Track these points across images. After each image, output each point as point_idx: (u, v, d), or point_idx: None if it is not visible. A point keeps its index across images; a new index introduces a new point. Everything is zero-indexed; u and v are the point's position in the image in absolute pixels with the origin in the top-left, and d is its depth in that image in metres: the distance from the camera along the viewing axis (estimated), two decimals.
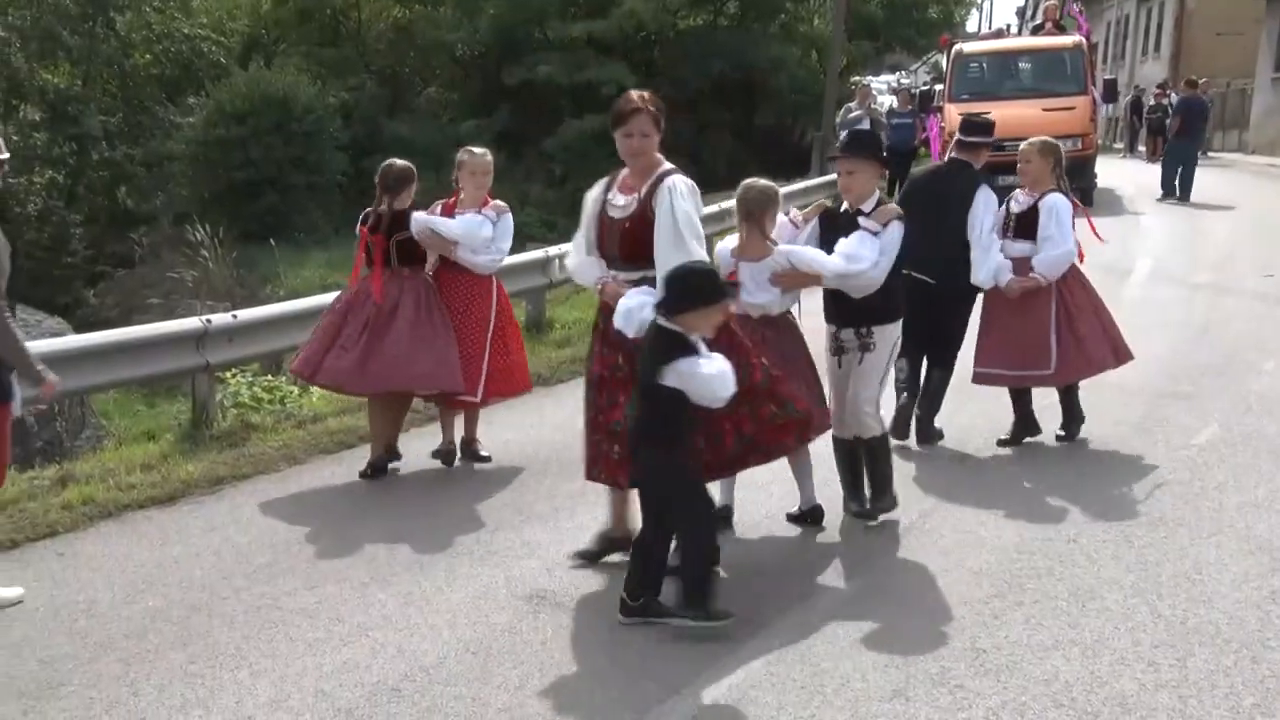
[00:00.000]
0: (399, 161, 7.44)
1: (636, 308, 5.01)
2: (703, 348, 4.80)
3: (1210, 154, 30.00)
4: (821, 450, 6.06)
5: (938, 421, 7.55)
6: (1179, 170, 20.18)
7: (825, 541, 5.88)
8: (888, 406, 7.20)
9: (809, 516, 6.03)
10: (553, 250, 10.97)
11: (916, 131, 20.32)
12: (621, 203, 5.29)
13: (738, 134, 30.85)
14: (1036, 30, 24.45)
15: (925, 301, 7.36)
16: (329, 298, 9.29)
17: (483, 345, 7.16)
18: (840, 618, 5.04)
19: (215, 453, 7.65)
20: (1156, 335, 10.25)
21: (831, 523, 6.05)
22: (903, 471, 6.93)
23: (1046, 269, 7.10)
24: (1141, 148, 30.67)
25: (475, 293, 7.19)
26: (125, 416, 12.39)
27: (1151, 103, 29.15)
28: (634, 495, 5.42)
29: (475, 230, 7.05)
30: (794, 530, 6.01)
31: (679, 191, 5.13)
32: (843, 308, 5.87)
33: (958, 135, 7.60)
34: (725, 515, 6.03)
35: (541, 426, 8.11)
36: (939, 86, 24.14)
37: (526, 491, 6.78)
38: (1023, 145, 7.23)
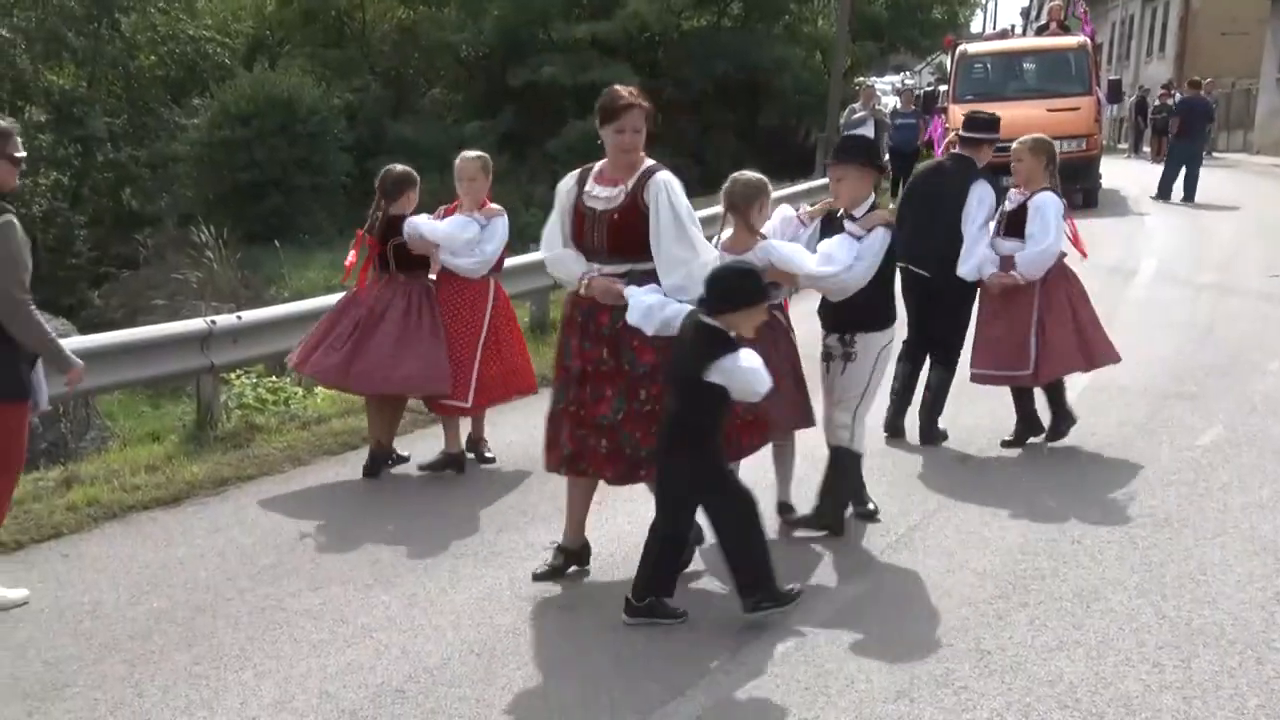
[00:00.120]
0: (398, 167, 7.44)
1: (657, 305, 4.99)
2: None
3: (1215, 154, 29.98)
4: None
5: (941, 423, 7.55)
6: (1182, 171, 20.12)
7: (829, 542, 5.88)
8: (876, 416, 7.24)
9: (780, 510, 6.04)
10: None
11: (920, 132, 20.31)
12: (605, 194, 5.21)
13: (742, 135, 30.85)
14: (1041, 31, 24.42)
15: (923, 297, 7.45)
16: (333, 299, 9.31)
17: (473, 352, 7.08)
18: (844, 619, 5.04)
19: (220, 454, 7.66)
20: (1161, 335, 10.26)
21: None
22: (906, 472, 6.95)
23: (1024, 267, 7.06)
24: (1146, 148, 30.64)
25: (468, 298, 7.13)
26: (130, 418, 12.41)
27: (1156, 103, 29.13)
28: (594, 504, 5.54)
29: (457, 233, 7.02)
30: (796, 531, 6.00)
31: (673, 186, 5.17)
32: (831, 313, 5.87)
33: (960, 131, 7.61)
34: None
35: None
36: (943, 87, 24.15)
37: (530, 493, 6.78)
38: (1015, 144, 7.21)
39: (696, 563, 5.48)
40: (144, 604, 5.43)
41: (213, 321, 8.23)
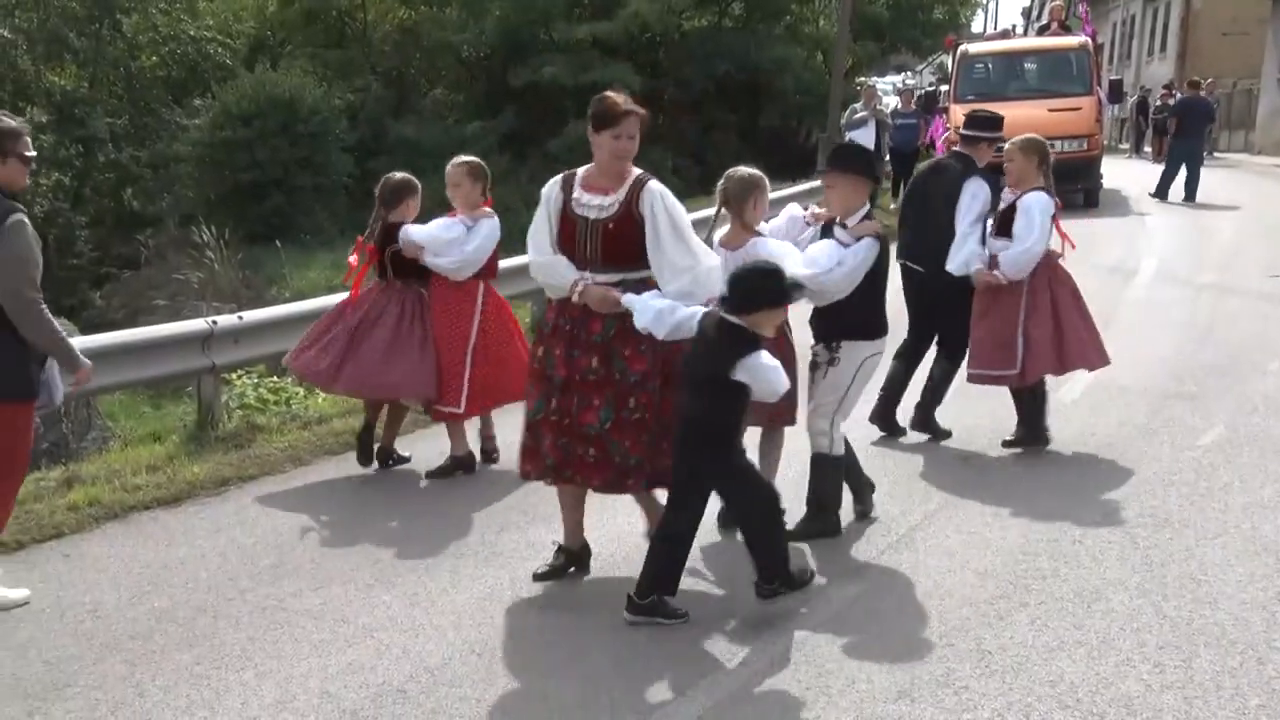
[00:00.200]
0: (397, 175, 7.44)
1: (667, 310, 4.98)
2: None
3: (1216, 154, 29.97)
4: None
5: (943, 423, 7.56)
6: (1182, 171, 20.11)
7: (830, 542, 5.88)
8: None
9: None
10: None
11: (920, 132, 20.31)
12: (597, 203, 5.15)
13: (743, 135, 30.81)
14: (1042, 31, 24.43)
15: (922, 294, 7.50)
16: (334, 299, 9.32)
17: (462, 357, 7.03)
18: (845, 619, 5.05)
19: (221, 454, 7.66)
20: (1161, 335, 10.26)
21: None
22: (908, 471, 6.95)
23: (1006, 266, 7.05)
24: (1148, 148, 30.65)
25: (456, 303, 7.08)
26: (131, 418, 12.40)
27: (1157, 103, 29.12)
28: (594, 504, 5.53)
29: (440, 234, 7.01)
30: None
31: (667, 194, 5.20)
32: (820, 321, 5.86)
33: (959, 129, 7.64)
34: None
35: None
36: (944, 87, 24.16)
37: (531, 493, 6.76)
38: (1006, 144, 7.20)
39: (696, 563, 5.47)
40: (145, 604, 5.44)
41: (214, 322, 8.24)
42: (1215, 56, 36.23)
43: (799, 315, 6.05)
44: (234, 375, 9.62)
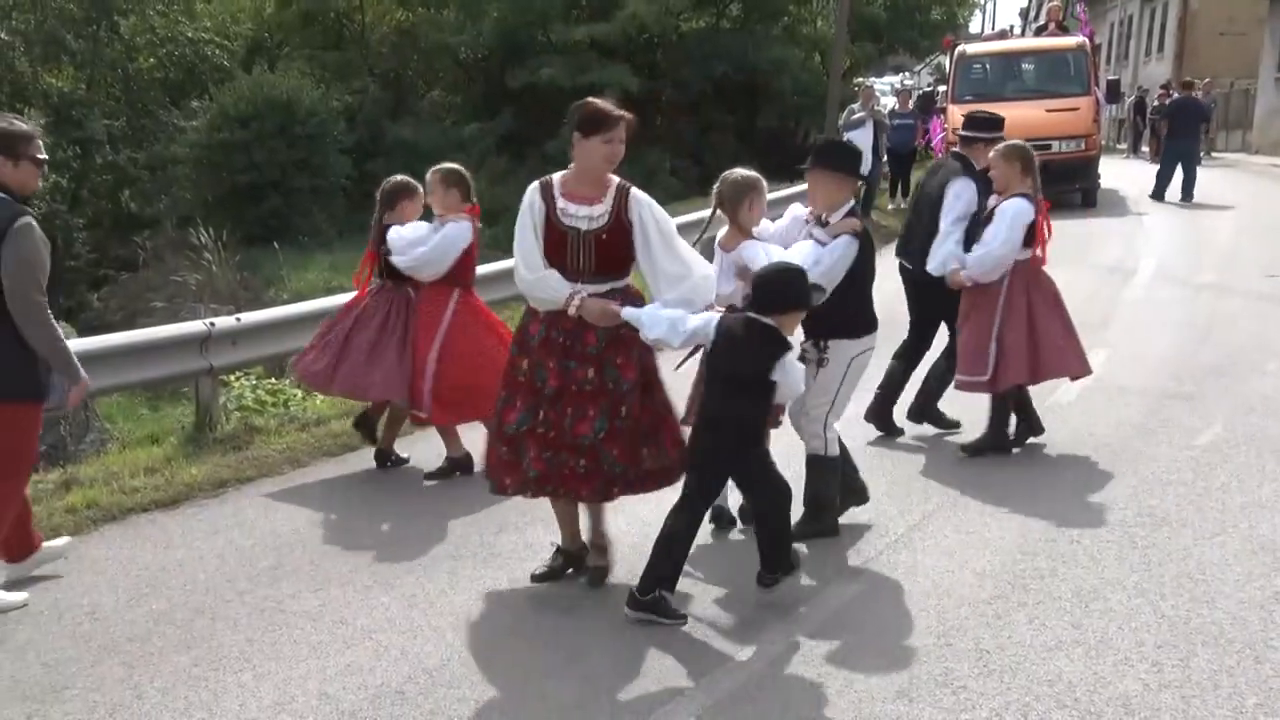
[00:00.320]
0: (397, 177, 7.44)
1: (679, 319, 5.00)
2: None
3: (1214, 154, 29.99)
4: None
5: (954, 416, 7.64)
6: (1178, 170, 20.11)
7: (829, 542, 5.88)
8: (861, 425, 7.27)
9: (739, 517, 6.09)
10: None
11: (917, 133, 20.32)
12: (585, 213, 5.06)
13: (740, 136, 30.83)
14: (1040, 31, 24.45)
15: (914, 291, 7.54)
16: (332, 301, 9.34)
17: (423, 360, 6.99)
18: (843, 618, 5.05)
19: (219, 456, 7.66)
20: (1159, 335, 10.27)
21: None
22: (906, 472, 6.95)
23: (972, 268, 7.06)
24: (1145, 148, 30.65)
25: (430, 307, 7.07)
26: (129, 420, 12.37)
27: (1155, 103, 29.12)
28: (583, 507, 5.49)
29: (405, 234, 7.05)
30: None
31: (653, 202, 5.19)
32: (808, 318, 5.86)
33: (957, 130, 7.67)
34: (729, 517, 6.08)
35: None
36: (942, 88, 24.17)
37: None
38: (992, 151, 7.20)
39: (695, 564, 5.47)
40: (143, 606, 5.43)
41: (212, 323, 8.23)
42: (1212, 56, 36.24)
43: None
44: (232, 377, 9.63)
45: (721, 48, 30.68)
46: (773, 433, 5.94)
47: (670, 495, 5.27)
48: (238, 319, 8.59)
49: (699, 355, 5.66)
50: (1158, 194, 20.08)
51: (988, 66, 21.06)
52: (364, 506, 6.81)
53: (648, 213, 5.13)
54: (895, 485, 6.72)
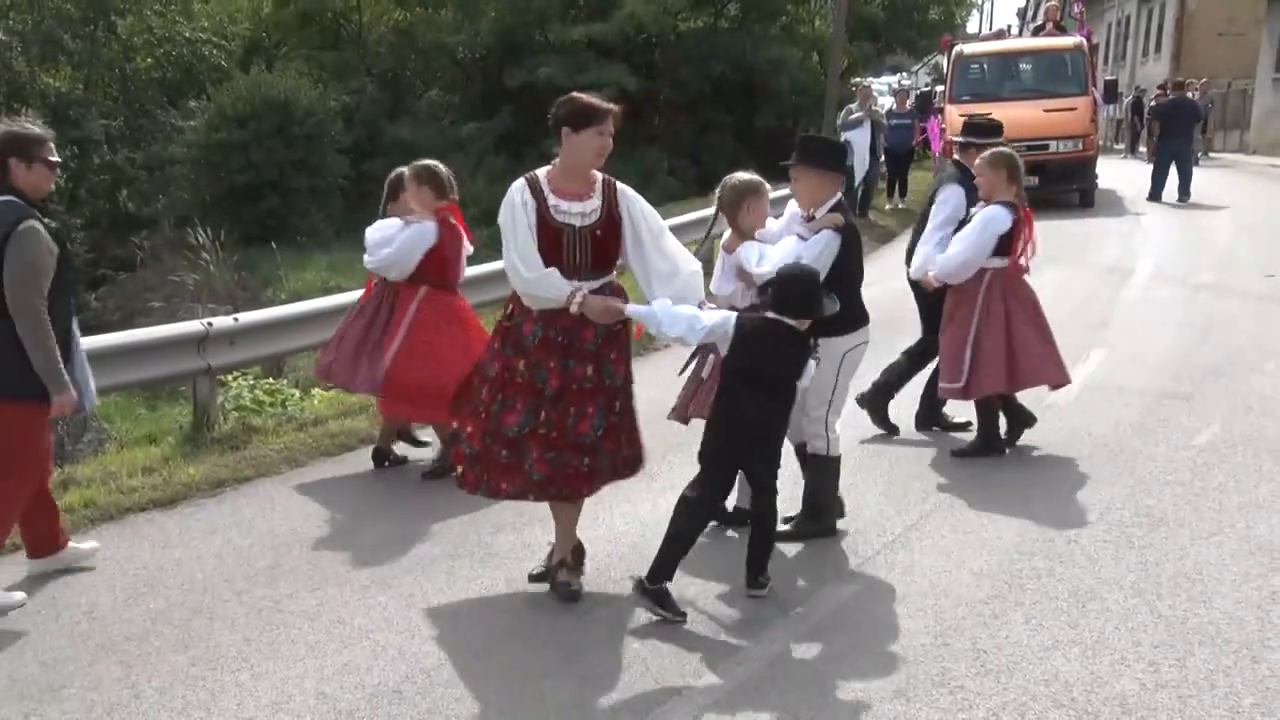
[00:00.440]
0: (401, 168, 7.45)
1: (695, 318, 5.03)
2: None
3: (1211, 154, 30.02)
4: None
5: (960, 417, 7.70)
6: (1173, 170, 20.12)
7: (827, 543, 5.88)
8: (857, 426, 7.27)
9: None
10: None
11: (914, 132, 20.32)
12: (579, 209, 5.02)
13: (738, 135, 30.85)
14: (1037, 31, 24.47)
15: (917, 294, 7.55)
16: (330, 300, 9.35)
17: (386, 354, 7.03)
18: (841, 619, 5.05)
19: (216, 455, 7.66)
20: (1157, 336, 10.28)
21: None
22: (903, 472, 6.96)
23: (938, 270, 7.14)
24: (1143, 148, 30.62)
25: (401, 303, 7.11)
26: (126, 420, 12.38)
27: (1152, 103, 29.13)
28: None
29: (372, 233, 7.12)
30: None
31: (638, 195, 5.20)
32: None
33: (953, 136, 7.70)
34: (736, 516, 6.09)
35: None
36: (939, 88, 24.17)
37: None
38: (977, 160, 7.21)
39: (694, 564, 5.47)
40: (141, 605, 5.43)
41: (209, 323, 8.23)
42: (1210, 57, 36.29)
43: None
44: (229, 377, 9.62)
45: (719, 47, 30.70)
46: None
47: (670, 495, 5.27)
48: (235, 319, 8.57)
49: (699, 356, 5.69)
50: (1154, 195, 20.11)
51: (985, 66, 21.07)
52: (361, 506, 6.81)
53: (637, 208, 5.13)
54: (893, 485, 6.73)
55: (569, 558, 5.37)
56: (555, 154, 5.11)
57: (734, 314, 5.17)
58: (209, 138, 26.75)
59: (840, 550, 5.81)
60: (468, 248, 7.30)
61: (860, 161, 18.00)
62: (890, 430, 7.69)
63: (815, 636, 4.87)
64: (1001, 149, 7.13)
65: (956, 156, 7.71)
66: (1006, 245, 6.96)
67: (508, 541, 6.05)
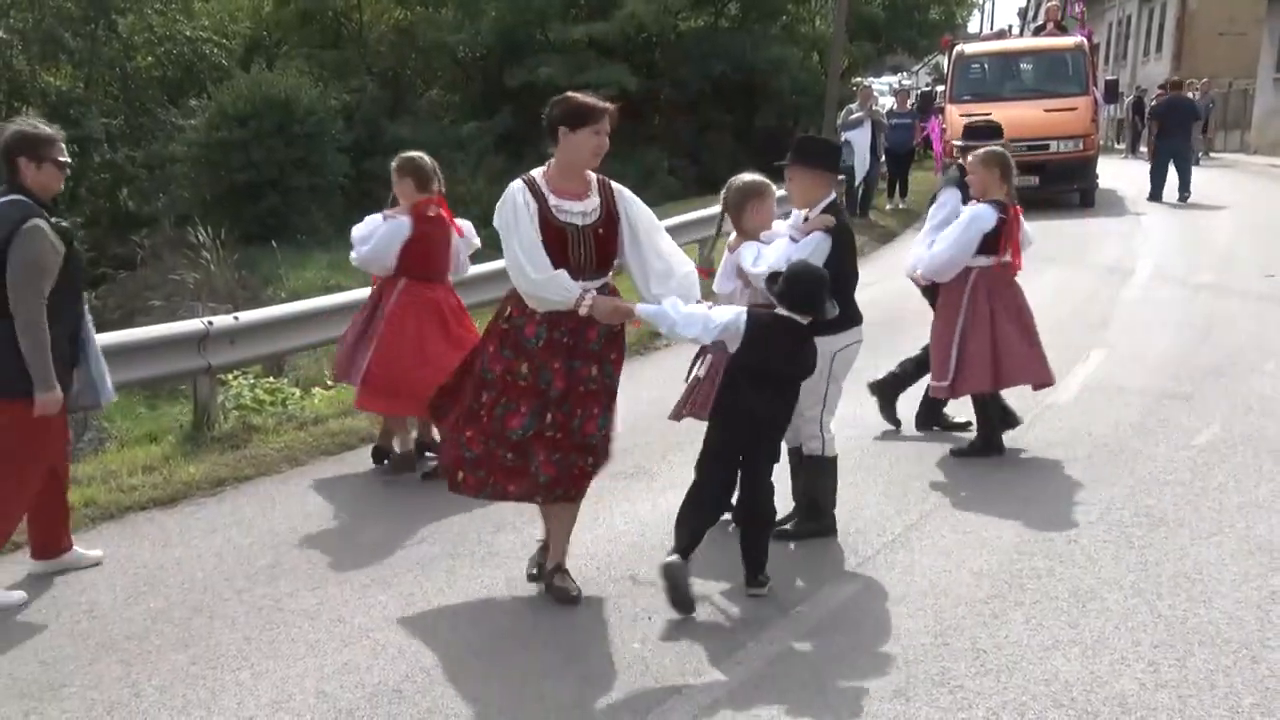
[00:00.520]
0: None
1: (708, 317, 5.04)
2: None
3: (1212, 154, 30.02)
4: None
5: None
6: (1172, 169, 20.11)
7: (826, 542, 5.88)
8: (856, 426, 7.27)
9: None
10: None
11: (915, 132, 20.33)
12: (580, 209, 4.98)
13: (739, 135, 30.85)
14: (1038, 31, 24.47)
15: (925, 291, 7.60)
16: (331, 299, 9.37)
17: (368, 348, 7.11)
18: (841, 618, 5.05)
19: (217, 454, 7.66)
20: (1157, 335, 10.28)
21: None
22: (904, 472, 6.96)
23: (924, 268, 7.23)
24: (1143, 148, 30.62)
25: (381, 298, 7.19)
26: (127, 419, 12.37)
27: (1153, 103, 29.14)
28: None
29: (357, 230, 7.21)
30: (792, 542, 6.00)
31: (633, 194, 5.20)
32: None
33: (954, 141, 7.73)
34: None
35: None
36: (940, 88, 24.18)
37: None
38: (970, 156, 7.23)
39: (695, 564, 5.47)
40: (141, 604, 5.44)
41: (210, 322, 8.23)
42: (1211, 56, 36.29)
43: None
44: (230, 376, 9.62)
45: (720, 47, 30.70)
46: None
47: (670, 495, 5.27)
48: (235, 318, 8.58)
49: (701, 357, 5.69)
50: (1155, 195, 20.11)
51: (986, 66, 21.07)
52: (362, 505, 6.81)
53: (634, 207, 5.12)
54: (893, 485, 6.73)
55: (563, 562, 5.37)
56: (551, 154, 5.07)
57: (745, 309, 5.18)
58: (209, 136, 26.75)
59: (840, 550, 5.81)
60: (473, 241, 7.32)
61: (861, 161, 18.01)
62: (894, 423, 7.69)
63: (815, 636, 4.87)
64: (994, 148, 7.15)
65: (959, 159, 7.77)
66: (993, 244, 6.97)
67: (508, 540, 6.05)
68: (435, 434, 7.28)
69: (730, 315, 5.09)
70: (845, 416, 7.80)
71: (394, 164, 7.15)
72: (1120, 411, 7.99)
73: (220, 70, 30.96)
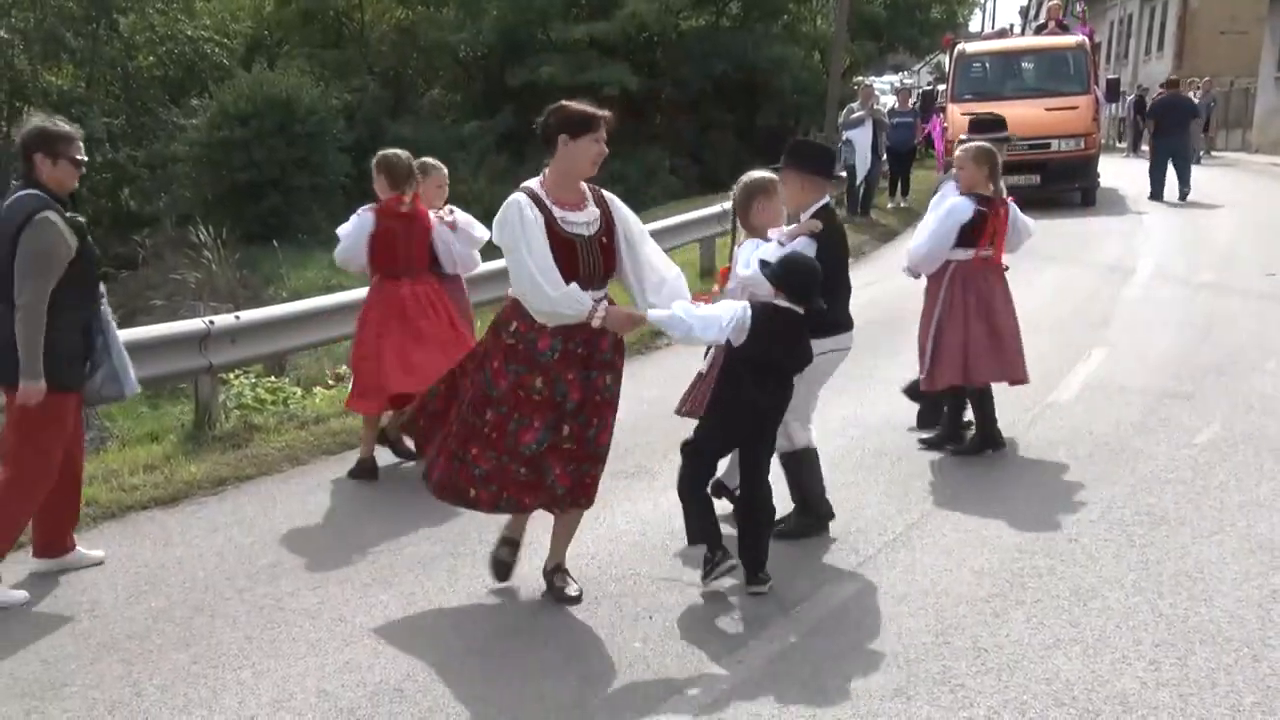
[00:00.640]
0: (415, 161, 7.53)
1: (718, 319, 5.04)
2: None
3: (1214, 153, 29.99)
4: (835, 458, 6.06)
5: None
6: (1171, 167, 20.10)
7: (827, 541, 5.88)
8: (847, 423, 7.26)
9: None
10: None
11: (916, 131, 20.31)
12: (583, 219, 4.91)
13: (740, 134, 30.86)
14: (1039, 30, 24.45)
15: None
16: (332, 299, 9.37)
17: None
18: (842, 617, 5.05)
19: (218, 454, 7.66)
20: (1158, 334, 10.27)
21: (831, 523, 6.03)
22: (905, 471, 6.95)
23: (907, 259, 7.33)
24: (1145, 147, 30.61)
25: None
26: (128, 418, 12.36)
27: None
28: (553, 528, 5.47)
29: (338, 230, 7.34)
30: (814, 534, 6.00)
31: (618, 200, 5.17)
32: None
33: (963, 136, 7.73)
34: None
35: None
36: (942, 87, 24.16)
37: None
38: (958, 150, 7.25)
39: (694, 563, 5.48)
40: (142, 603, 5.44)
41: (211, 322, 8.23)
42: (1213, 55, 36.27)
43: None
44: (231, 375, 9.62)
45: (721, 46, 30.71)
46: None
47: (672, 494, 5.27)
48: (237, 317, 8.58)
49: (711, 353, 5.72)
50: (1155, 194, 20.11)
51: (987, 65, 21.07)
52: (363, 504, 6.81)
53: (626, 215, 5.10)
54: (894, 484, 6.73)
55: (563, 562, 5.37)
56: (546, 164, 4.99)
57: (747, 302, 5.16)
58: (211, 136, 26.76)
59: (841, 549, 5.81)
60: (474, 235, 7.29)
61: (862, 160, 18.00)
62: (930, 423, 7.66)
63: (816, 635, 4.87)
64: (984, 144, 7.21)
65: None
66: (971, 237, 7.00)
67: None
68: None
69: (737, 309, 5.09)
70: (846, 416, 7.86)
71: (373, 161, 7.26)
72: (1121, 410, 7.99)
73: (222, 70, 30.98)
